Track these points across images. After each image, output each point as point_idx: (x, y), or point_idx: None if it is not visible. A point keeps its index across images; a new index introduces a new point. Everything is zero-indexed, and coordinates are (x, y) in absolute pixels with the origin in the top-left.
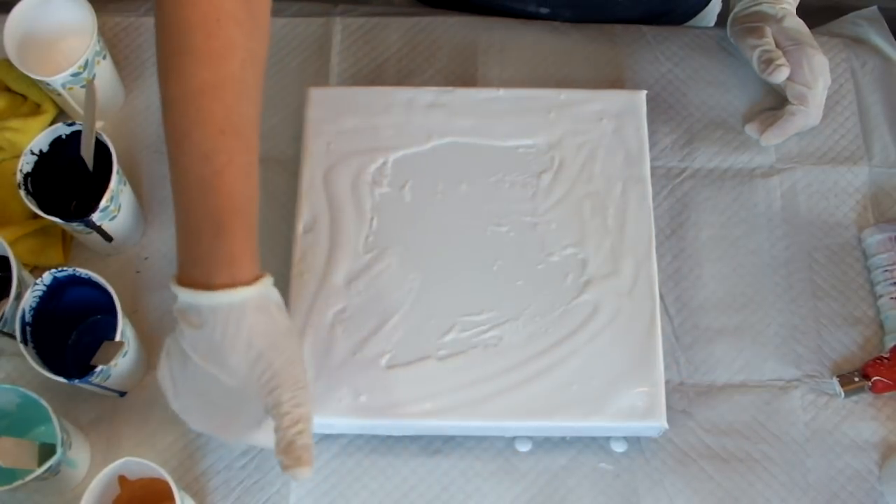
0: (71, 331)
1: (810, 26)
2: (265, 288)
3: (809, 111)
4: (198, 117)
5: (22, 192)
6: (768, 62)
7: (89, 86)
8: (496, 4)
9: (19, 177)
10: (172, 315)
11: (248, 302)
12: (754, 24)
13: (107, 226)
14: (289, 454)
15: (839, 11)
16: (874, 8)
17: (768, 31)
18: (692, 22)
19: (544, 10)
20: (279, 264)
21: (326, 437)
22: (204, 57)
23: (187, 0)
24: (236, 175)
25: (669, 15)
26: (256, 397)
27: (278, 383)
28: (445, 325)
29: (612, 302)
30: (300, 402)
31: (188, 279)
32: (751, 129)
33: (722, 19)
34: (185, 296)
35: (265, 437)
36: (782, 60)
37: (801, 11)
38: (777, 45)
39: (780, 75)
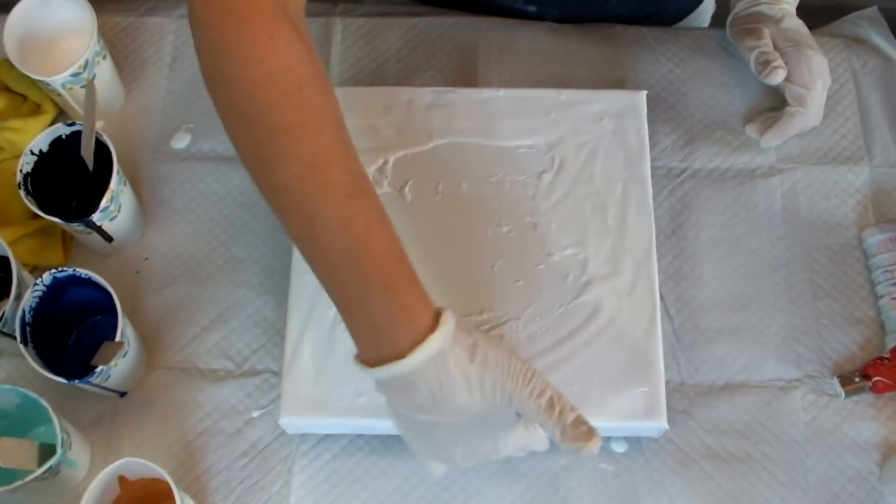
0: (71, 331)
1: (811, 27)
2: (447, 324)
3: (808, 112)
4: (320, 192)
5: (22, 193)
6: (765, 64)
7: (89, 86)
8: (484, 2)
9: (19, 177)
10: (173, 315)
11: (444, 348)
12: (753, 24)
13: (107, 226)
14: (572, 438)
15: (840, 11)
16: (874, 8)
17: (766, 32)
18: (684, 22)
19: (532, 9)
20: (280, 264)
21: (326, 437)
22: (301, 131)
23: (262, 80)
24: (377, 233)
25: (659, 15)
26: (495, 415)
27: (512, 389)
28: None
29: (612, 302)
30: (541, 389)
31: (375, 354)
32: (751, 130)
33: (721, 20)
34: (382, 373)
35: (515, 442)
36: (779, 62)
37: (802, 11)
38: (775, 47)
39: (777, 77)
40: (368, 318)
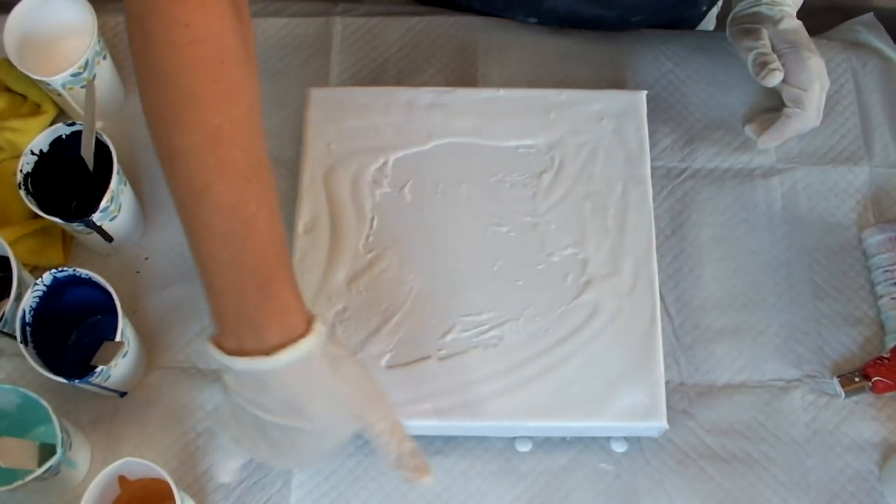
0: (71, 331)
1: (812, 28)
2: (320, 332)
3: (805, 114)
4: (217, 167)
5: (22, 192)
6: (762, 66)
7: (89, 86)
8: (485, 11)
9: (19, 177)
10: (173, 315)
11: (312, 353)
12: (751, 25)
13: (107, 226)
14: (406, 466)
15: (841, 11)
16: (870, 14)
17: (765, 33)
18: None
19: (532, 20)
20: None
21: None
22: (212, 102)
23: (182, 43)
24: (267, 222)
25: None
26: (335, 429)
27: (361, 409)
28: (446, 325)
29: (612, 302)
30: (387, 413)
31: (235, 343)
32: (750, 131)
33: (722, 19)
34: (238, 364)
35: (327, 460)
36: (776, 65)
37: (802, 12)
38: (773, 48)
39: (773, 80)
40: (238, 306)
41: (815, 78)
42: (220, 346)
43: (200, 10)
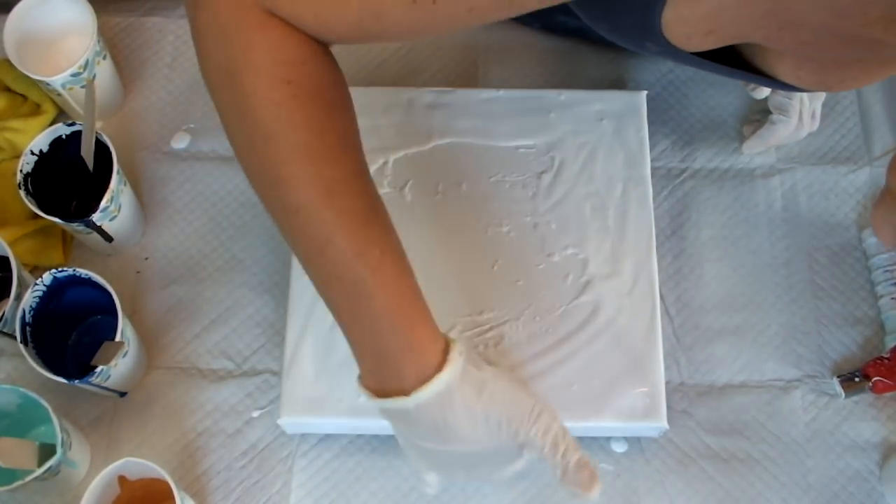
0: (71, 331)
1: None
2: (456, 362)
3: (790, 121)
4: (336, 219)
5: (22, 193)
6: None
7: (89, 86)
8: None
9: (19, 177)
10: (173, 315)
11: (450, 386)
12: None
13: (107, 226)
14: (573, 482)
15: None
16: None
17: None
18: None
19: (537, 25)
20: (279, 264)
21: (326, 437)
22: (325, 156)
23: (287, 99)
24: (393, 263)
25: None
26: (500, 447)
27: (518, 426)
28: (446, 325)
29: (612, 302)
30: (546, 427)
31: (379, 384)
32: (747, 132)
33: None
34: (385, 405)
35: (518, 467)
36: None
37: None
38: None
39: (761, 93)
40: (375, 349)
41: None
42: (368, 389)
43: (303, 67)
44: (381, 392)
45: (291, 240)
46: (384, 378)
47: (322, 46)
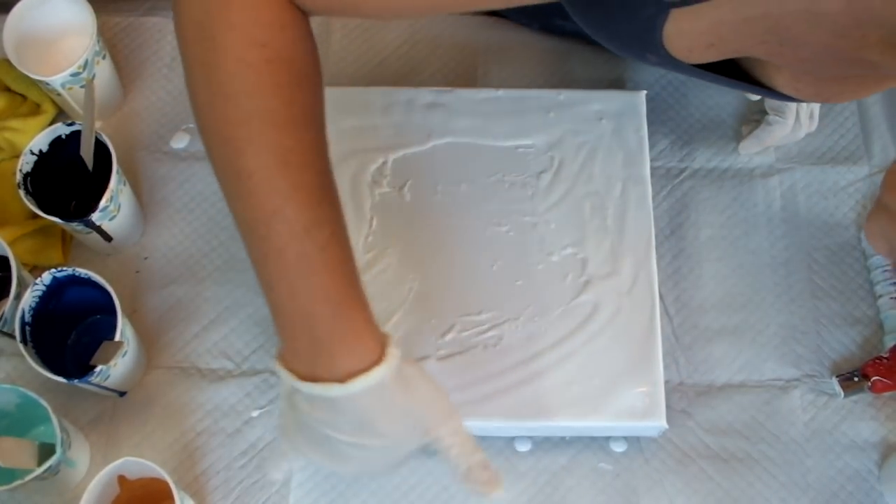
0: (71, 331)
1: None
2: (394, 357)
3: (786, 122)
4: (289, 190)
5: (22, 192)
6: None
7: (89, 85)
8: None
9: (19, 177)
10: (172, 315)
11: (385, 379)
12: None
13: (106, 226)
14: (475, 480)
15: None
16: None
17: None
18: None
19: (535, 26)
20: None
21: None
22: (287, 124)
23: (259, 62)
24: (339, 245)
25: None
26: (406, 443)
27: (431, 425)
28: (445, 325)
29: (611, 302)
30: (456, 428)
31: (307, 368)
32: (746, 132)
33: None
34: (311, 390)
35: (403, 466)
36: None
37: None
38: None
39: (754, 94)
40: (310, 331)
41: None
42: (292, 370)
43: (280, 33)
44: (307, 376)
45: (236, 205)
46: (314, 362)
47: (302, 15)
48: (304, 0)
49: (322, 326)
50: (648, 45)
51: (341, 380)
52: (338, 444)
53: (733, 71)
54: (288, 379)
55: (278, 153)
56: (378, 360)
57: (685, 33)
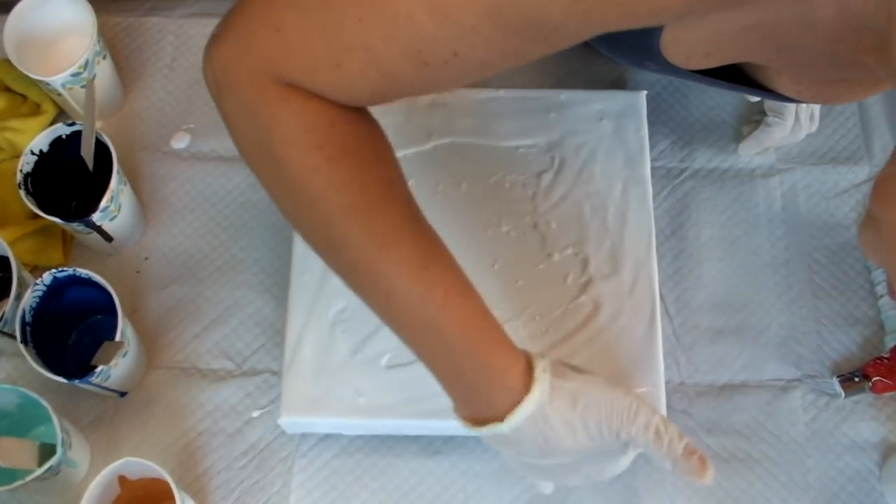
0: (71, 331)
1: None
2: (541, 380)
3: (785, 124)
4: (393, 269)
5: (22, 192)
6: None
7: (89, 86)
8: None
9: (19, 177)
10: (173, 315)
11: (541, 405)
12: None
13: (107, 226)
14: (685, 471)
15: None
16: None
17: None
18: None
19: None
20: (279, 264)
21: (326, 437)
22: (370, 211)
23: (323, 163)
24: (457, 297)
25: None
26: (605, 449)
27: (619, 427)
28: None
29: (612, 302)
30: (646, 421)
31: (473, 414)
32: (747, 132)
33: None
34: (485, 431)
35: (626, 463)
36: None
37: None
38: None
39: (755, 96)
40: (461, 382)
41: None
42: (464, 418)
43: (332, 129)
44: (476, 421)
45: (358, 292)
46: (476, 408)
47: (352, 108)
48: (343, 101)
49: (468, 377)
50: (647, 54)
51: (501, 418)
52: (542, 467)
53: (734, 74)
54: (463, 426)
55: (372, 240)
56: (528, 388)
57: (682, 42)
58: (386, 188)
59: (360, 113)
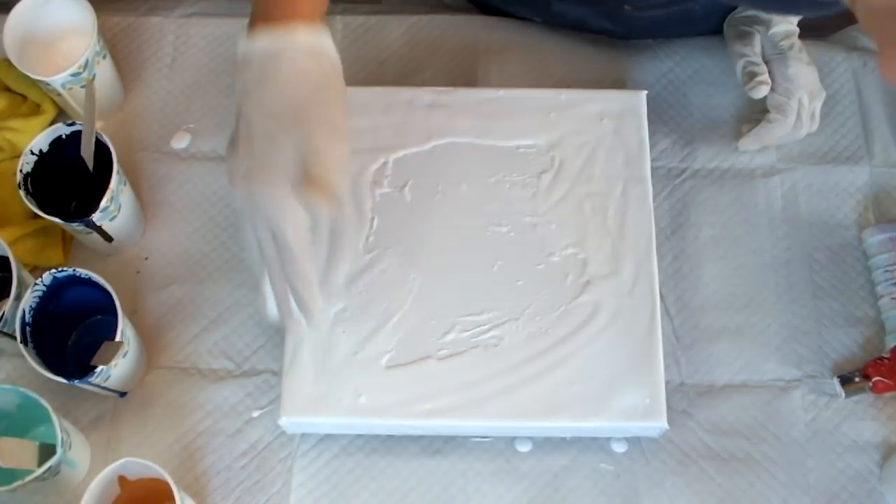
0: (71, 331)
1: (815, 29)
2: (316, 33)
3: (786, 121)
4: None
5: (22, 193)
6: (750, 76)
7: (89, 85)
8: (488, 4)
9: (19, 177)
10: (173, 315)
11: (297, 41)
12: (746, 27)
13: (107, 226)
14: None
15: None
16: None
17: (757, 38)
18: None
19: (537, 20)
20: None
21: (326, 437)
22: None
23: None
24: None
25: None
26: (309, 113)
27: (310, 133)
28: (445, 325)
29: (612, 302)
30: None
31: (252, 27)
32: (746, 131)
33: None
34: (241, 46)
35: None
36: (764, 77)
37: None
38: (763, 53)
39: (760, 92)
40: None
41: (799, 86)
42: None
43: None
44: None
45: None
46: (254, 21)
47: None
48: None
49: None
50: None
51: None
52: (249, 124)
53: None
54: (240, 45)
55: None
56: (304, 23)
57: None
58: None
59: None
